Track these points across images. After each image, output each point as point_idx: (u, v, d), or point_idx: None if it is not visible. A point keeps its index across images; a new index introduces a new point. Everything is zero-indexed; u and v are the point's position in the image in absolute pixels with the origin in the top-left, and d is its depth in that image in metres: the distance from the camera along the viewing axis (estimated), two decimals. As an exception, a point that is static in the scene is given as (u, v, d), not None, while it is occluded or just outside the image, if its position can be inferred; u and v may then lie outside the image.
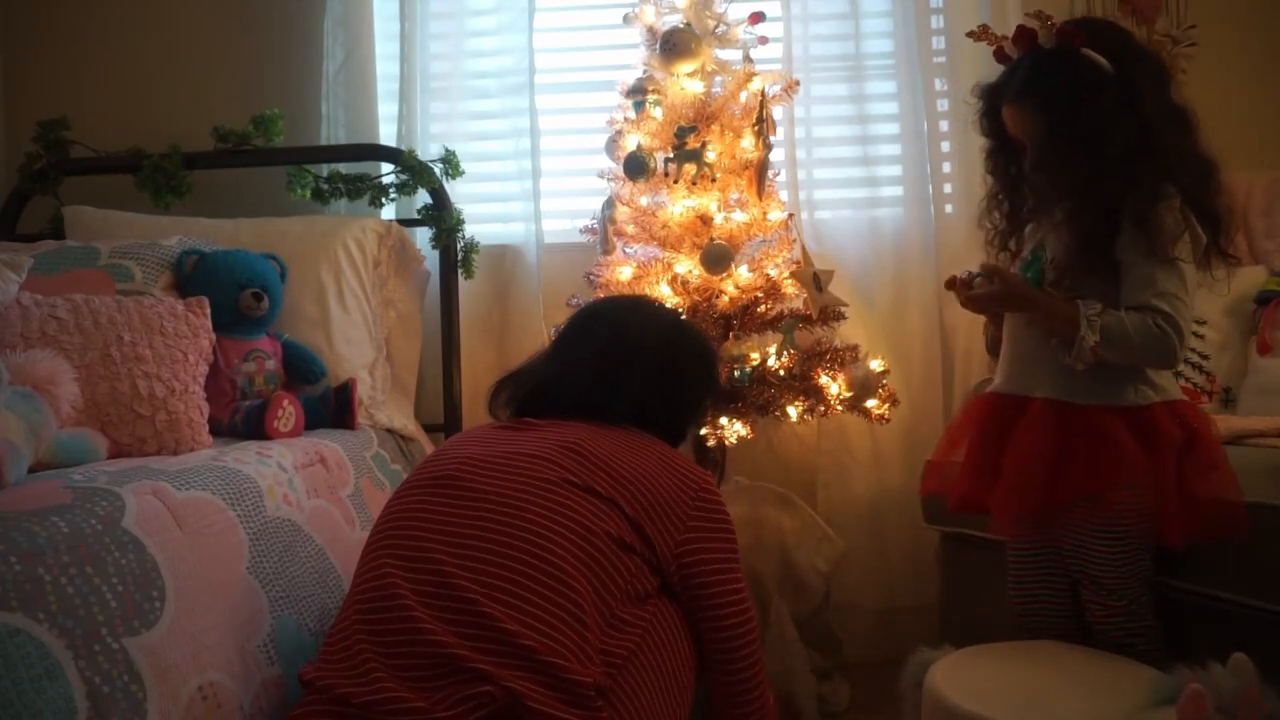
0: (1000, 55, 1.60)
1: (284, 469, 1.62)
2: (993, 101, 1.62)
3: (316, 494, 1.70)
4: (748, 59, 2.21)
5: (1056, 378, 1.54)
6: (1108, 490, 1.46)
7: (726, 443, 2.05)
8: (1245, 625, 1.46)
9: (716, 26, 2.20)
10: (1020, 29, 1.55)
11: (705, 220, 2.12)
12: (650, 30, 2.23)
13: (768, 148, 2.15)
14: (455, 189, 2.54)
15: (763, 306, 2.14)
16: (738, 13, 2.24)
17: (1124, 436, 1.47)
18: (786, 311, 2.13)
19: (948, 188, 2.54)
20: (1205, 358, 2.11)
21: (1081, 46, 1.49)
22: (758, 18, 2.23)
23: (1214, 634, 1.49)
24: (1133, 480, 1.45)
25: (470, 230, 2.52)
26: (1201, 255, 1.51)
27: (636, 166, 2.13)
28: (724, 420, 2.01)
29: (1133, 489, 1.45)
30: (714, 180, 2.11)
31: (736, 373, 2.02)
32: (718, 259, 2.04)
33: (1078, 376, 1.50)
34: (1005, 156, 1.66)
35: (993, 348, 1.75)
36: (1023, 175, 1.61)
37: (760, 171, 2.12)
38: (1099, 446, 1.47)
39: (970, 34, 1.65)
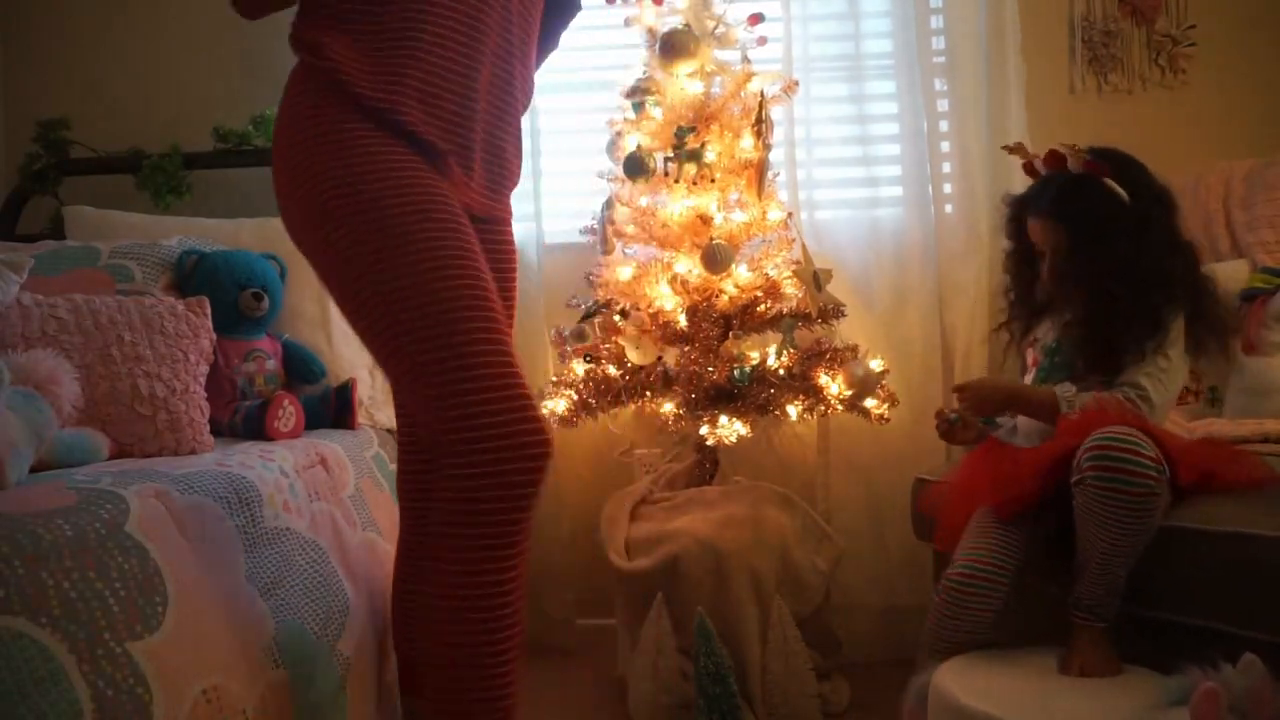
0: (1029, 169, 1.84)
1: (285, 473, 1.62)
2: (1019, 210, 1.84)
3: (318, 496, 1.70)
4: (746, 60, 2.21)
5: None
6: None
7: (725, 442, 2.05)
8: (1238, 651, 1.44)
9: (716, 28, 2.20)
10: (1052, 152, 1.76)
11: (705, 220, 2.12)
12: (650, 31, 2.23)
13: (767, 148, 2.16)
14: (455, 189, 2.54)
15: (762, 306, 2.15)
16: (737, 14, 2.24)
17: None
18: (786, 311, 2.14)
19: (947, 188, 2.54)
20: (1191, 358, 2.11)
21: (1104, 177, 1.70)
22: (757, 19, 2.24)
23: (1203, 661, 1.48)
24: None
25: (470, 230, 2.52)
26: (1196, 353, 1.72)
27: (636, 166, 2.13)
28: (723, 419, 2.01)
29: None
30: (713, 180, 2.11)
31: (736, 372, 2.02)
32: (719, 259, 2.05)
33: None
34: (1023, 259, 1.86)
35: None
36: (1037, 277, 1.82)
37: (760, 171, 2.12)
38: None
39: (1006, 147, 1.89)
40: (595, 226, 2.35)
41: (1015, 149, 1.85)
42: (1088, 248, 1.70)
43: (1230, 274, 2.14)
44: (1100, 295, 1.68)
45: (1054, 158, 1.76)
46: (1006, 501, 1.61)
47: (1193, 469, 1.52)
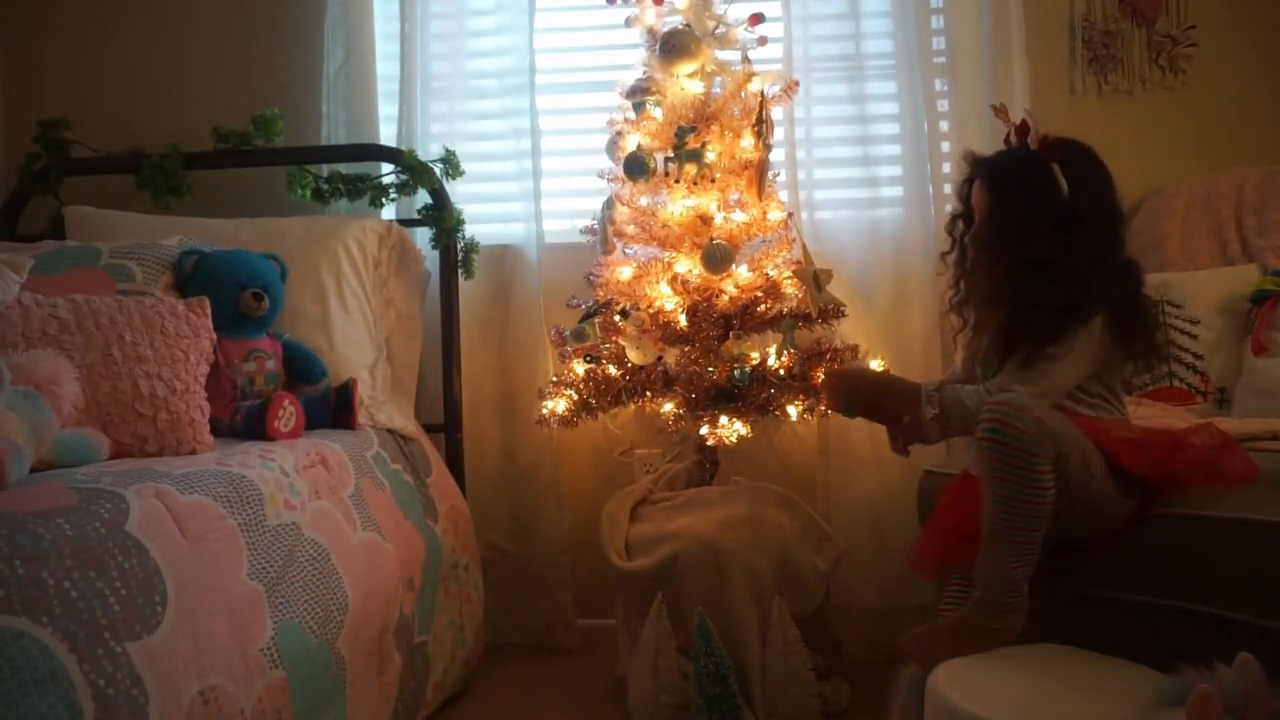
0: (1007, 140, 1.75)
1: (285, 473, 1.62)
2: (973, 171, 1.77)
3: (318, 495, 1.70)
4: (746, 60, 2.21)
5: None
6: None
7: (725, 442, 2.05)
8: (1241, 642, 1.45)
9: (716, 28, 2.20)
10: (1024, 123, 1.69)
11: (705, 220, 2.12)
12: (650, 31, 2.23)
13: (767, 148, 2.16)
14: (455, 189, 2.54)
15: (762, 306, 2.15)
16: (737, 14, 2.25)
17: None
18: (786, 311, 2.14)
19: (948, 188, 2.54)
20: (1199, 358, 2.10)
21: (1054, 162, 1.63)
22: (757, 19, 2.24)
23: (1207, 648, 1.48)
24: None
25: (470, 230, 2.52)
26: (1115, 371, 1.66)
27: (637, 167, 2.13)
28: (723, 419, 2.01)
29: None
30: (714, 180, 2.11)
31: (736, 372, 2.02)
32: (719, 259, 2.05)
33: None
34: (963, 220, 1.80)
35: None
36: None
37: (760, 172, 2.12)
38: None
39: (994, 107, 1.83)
40: (595, 226, 2.35)
41: (999, 111, 1.80)
42: (1006, 222, 1.67)
43: (1241, 278, 2.14)
44: (1005, 274, 1.65)
45: (1022, 129, 1.70)
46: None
47: (1133, 455, 1.51)
